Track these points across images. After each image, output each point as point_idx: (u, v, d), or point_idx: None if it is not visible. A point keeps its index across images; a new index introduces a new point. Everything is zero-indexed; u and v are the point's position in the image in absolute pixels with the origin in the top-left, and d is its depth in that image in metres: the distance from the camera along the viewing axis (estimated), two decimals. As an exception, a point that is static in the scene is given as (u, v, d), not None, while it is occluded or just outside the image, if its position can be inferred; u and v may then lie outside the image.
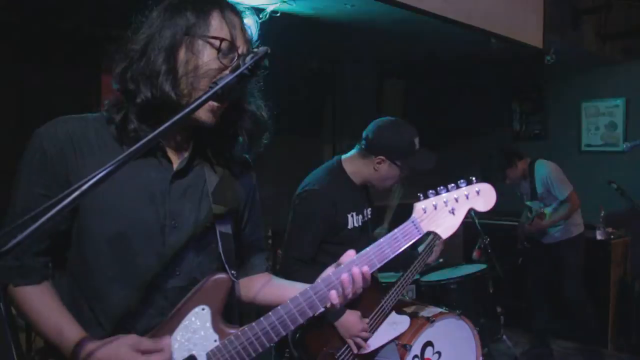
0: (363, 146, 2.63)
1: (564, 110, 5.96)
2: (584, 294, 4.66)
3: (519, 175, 4.68)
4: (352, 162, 2.67)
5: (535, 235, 4.75)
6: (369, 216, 2.78)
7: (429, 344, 3.08)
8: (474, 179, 1.46)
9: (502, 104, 6.40)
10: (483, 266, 4.15)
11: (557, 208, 4.59)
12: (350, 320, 2.46)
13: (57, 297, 1.31)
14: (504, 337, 4.32)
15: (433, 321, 3.06)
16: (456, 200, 1.43)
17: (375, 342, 2.68)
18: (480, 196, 1.45)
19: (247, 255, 1.63)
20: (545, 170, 4.57)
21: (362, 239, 2.66)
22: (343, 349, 2.51)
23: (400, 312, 2.93)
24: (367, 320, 2.58)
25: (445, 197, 1.43)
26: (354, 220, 2.63)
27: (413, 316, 3.14)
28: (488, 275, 4.10)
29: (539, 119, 6.18)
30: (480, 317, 3.76)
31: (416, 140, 2.61)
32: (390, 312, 2.75)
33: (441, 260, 4.40)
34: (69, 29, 3.46)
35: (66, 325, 1.26)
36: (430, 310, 3.20)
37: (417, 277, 3.99)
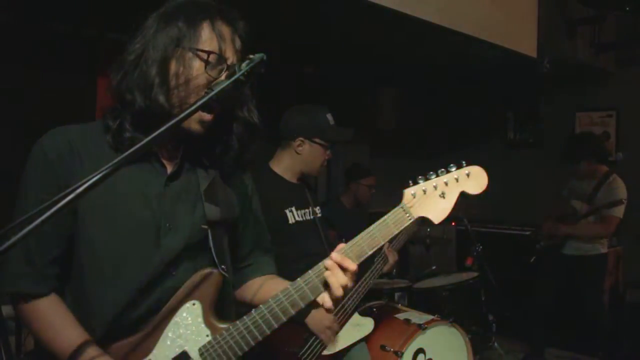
0: (281, 138, 2.67)
1: (557, 120, 5.99)
2: (605, 311, 4.62)
3: (588, 172, 4.50)
4: (278, 160, 2.69)
5: (556, 240, 4.60)
6: (319, 214, 2.76)
7: (420, 351, 3.09)
8: (463, 162, 1.44)
9: (496, 112, 6.43)
10: (475, 274, 4.16)
11: (593, 223, 4.46)
12: (320, 314, 2.44)
13: (66, 309, 1.33)
14: (496, 344, 4.34)
15: (425, 328, 3.07)
16: (446, 184, 1.41)
17: (339, 343, 2.67)
18: (471, 179, 1.42)
19: (252, 256, 1.64)
20: (620, 185, 4.40)
21: (310, 236, 2.65)
22: (306, 348, 2.48)
23: (363, 313, 2.92)
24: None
25: (435, 182, 1.41)
26: (294, 215, 2.61)
27: (405, 323, 3.15)
28: (480, 283, 4.12)
29: (533, 128, 6.22)
30: (472, 324, 3.78)
31: (329, 116, 2.65)
32: (352, 313, 2.75)
33: (434, 267, 4.45)
34: (65, 31, 3.46)
35: (76, 339, 1.27)
36: (422, 317, 3.21)
37: (408, 283, 4.03)
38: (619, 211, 4.34)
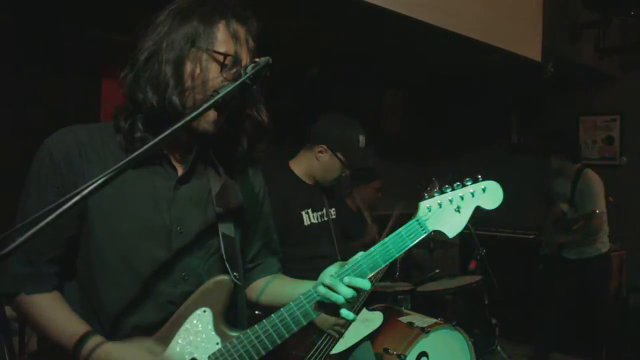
0: (309, 138, 2.65)
1: (561, 124, 5.98)
2: (611, 314, 4.64)
3: (559, 168, 4.52)
4: (298, 161, 2.68)
5: (557, 247, 4.60)
6: (334, 216, 2.76)
7: (423, 354, 3.09)
8: (479, 176, 1.43)
9: (501, 116, 6.43)
10: (479, 277, 4.15)
11: (583, 224, 4.42)
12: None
13: (67, 305, 1.32)
14: (499, 348, 4.32)
15: (428, 332, 3.07)
16: (462, 198, 1.40)
17: (347, 340, 2.67)
18: (487, 194, 1.42)
19: (260, 257, 1.63)
20: (591, 178, 4.41)
21: (323, 238, 2.65)
22: (313, 351, 2.48)
23: (371, 308, 2.91)
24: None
25: (451, 196, 1.40)
26: (310, 217, 2.61)
27: (408, 326, 3.15)
28: (484, 287, 4.11)
29: (536, 132, 6.21)
30: (475, 328, 3.77)
31: (361, 138, 2.63)
32: (360, 310, 2.74)
33: (437, 270, 4.43)
34: (70, 33, 3.47)
35: (80, 329, 1.27)
36: (425, 321, 3.21)
37: (412, 286, 4.02)
38: (600, 206, 4.35)
